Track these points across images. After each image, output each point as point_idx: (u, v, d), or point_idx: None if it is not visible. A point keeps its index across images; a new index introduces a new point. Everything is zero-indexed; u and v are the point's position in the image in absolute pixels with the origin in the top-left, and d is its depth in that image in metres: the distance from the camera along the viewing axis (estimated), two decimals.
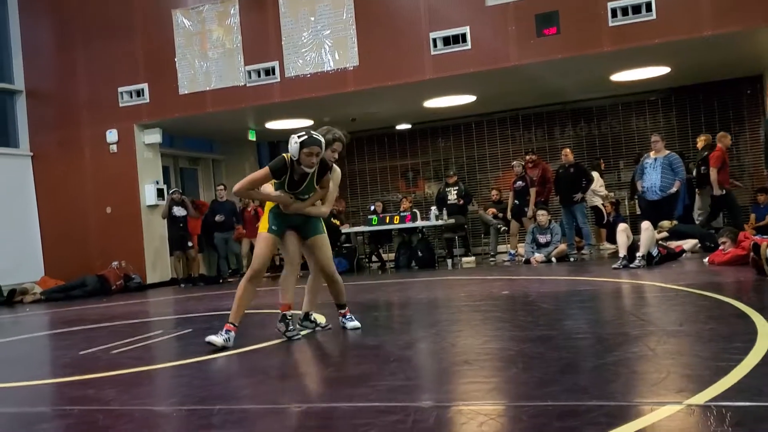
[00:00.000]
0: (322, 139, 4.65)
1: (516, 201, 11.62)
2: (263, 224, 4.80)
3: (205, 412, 3.00)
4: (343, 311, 5.12)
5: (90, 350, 5.05)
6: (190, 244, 12.14)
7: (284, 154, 4.66)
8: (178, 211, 11.91)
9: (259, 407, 3.01)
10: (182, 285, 11.89)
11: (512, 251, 11.51)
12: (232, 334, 4.59)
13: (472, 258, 12.17)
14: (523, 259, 10.67)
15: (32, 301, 10.98)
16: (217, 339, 4.52)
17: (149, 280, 12.04)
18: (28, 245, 12.37)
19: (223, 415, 2.93)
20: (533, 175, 11.59)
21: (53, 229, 12.60)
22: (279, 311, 4.84)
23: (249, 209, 12.75)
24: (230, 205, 12.42)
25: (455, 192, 12.21)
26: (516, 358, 3.64)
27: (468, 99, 12.47)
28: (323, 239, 4.96)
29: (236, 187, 4.71)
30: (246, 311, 4.75)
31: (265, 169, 4.65)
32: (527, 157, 11.96)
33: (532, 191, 11.38)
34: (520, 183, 11.59)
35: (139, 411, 3.10)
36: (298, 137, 4.54)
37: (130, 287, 11.51)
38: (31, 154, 12.71)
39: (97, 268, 11.71)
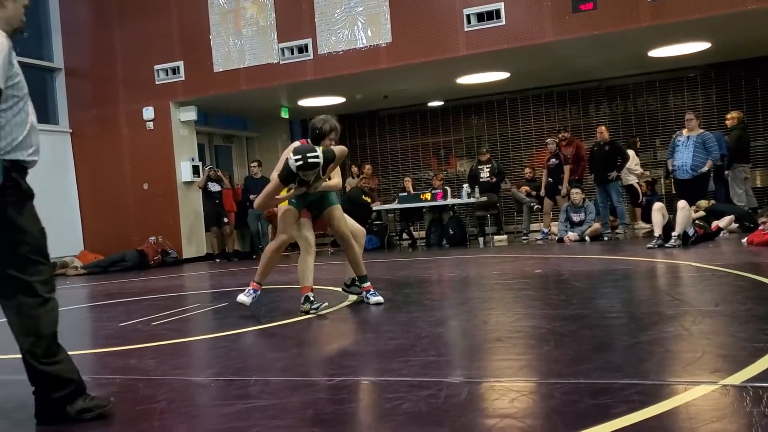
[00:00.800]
0: (320, 155, 4.76)
1: (550, 179, 11.53)
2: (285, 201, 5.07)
3: (242, 382, 3.08)
4: (366, 286, 5.23)
5: (130, 322, 5.19)
6: (225, 220, 12.32)
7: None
8: (213, 187, 12.09)
9: (293, 379, 3.07)
10: (217, 260, 12.09)
11: (545, 230, 11.45)
12: (258, 292, 5.18)
13: (504, 236, 12.14)
14: (556, 237, 10.60)
15: (73, 275, 11.27)
16: (245, 298, 5.09)
17: (185, 255, 12.26)
18: (68, 220, 12.65)
19: (259, 386, 3.00)
20: (567, 153, 11.47)
21: (92, 204, 12.86)
22: (301, 294, 4.92)
23: None
24: (264, 182, 12.52)
25: (488, 169, 12.14)
26: (548, 336, 3.65)
27: (501, 76, 12.33)
28: (337, 209, 5.24)
29: (256, 203, 5.22)
30: (281, 286, 4.86)
31: (275, 181, 4.93)
32: (561, 135, 11.83)
33: (566, 169, 11.26)
34: (553, 161, 11.49)
35: (178, 381, 3.19)
36: (295, 161, 4.70)
37: (167, 262, 11.73)
38: (70, 131, 12.96)
39: (134, 243, 11.95)
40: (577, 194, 10.46)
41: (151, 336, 4.60)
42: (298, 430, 2.38)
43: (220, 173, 12.43)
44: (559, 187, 11.29)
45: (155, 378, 3.30)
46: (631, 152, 11.63)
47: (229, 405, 2.74)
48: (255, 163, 12.78)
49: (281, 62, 11.33)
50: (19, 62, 2.90)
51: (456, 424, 2.31)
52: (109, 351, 4.25)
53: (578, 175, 11.40)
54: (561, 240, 10.35)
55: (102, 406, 2.70)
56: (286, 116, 14.13)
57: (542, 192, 11.76)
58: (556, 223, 11.00)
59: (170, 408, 2.80)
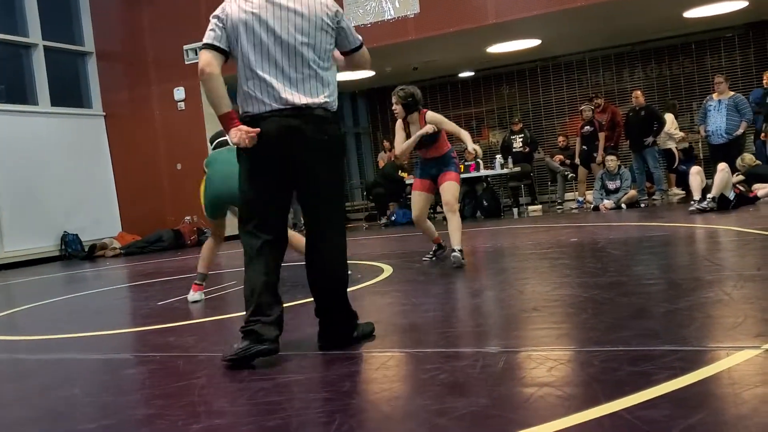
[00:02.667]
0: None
1: (584, 146, 11.33)
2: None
3: (281, 357, 3.10)
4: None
5: (168, 301, 5.28)
6: None
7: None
8: None
9: (329, 353, 3.09)
10: None
11: (580, 198, 11.30)
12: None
13: (539, 206, 12.02)
14: (592, 206, 10.46)
15: (112, 256, 11.49)
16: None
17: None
18: (106, 203, 12.88)
19: (297, 360, 3.03)
20: (602, 120, 11.26)
21: (128, 186, 13.06)
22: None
23: None
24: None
25: (521, 139, 12.00)
26: (585, 304, 3.61)
27: (533, 43, 12.12)
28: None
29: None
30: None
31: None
32: (595, 101, 11.60)
33: (601, 136, 11.06)
34: (588, 128, 11.27)
35: (217, 357, 3.23)
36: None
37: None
38: (104, 113, 13.13)
39: (170, 223, 12.12)
40: (612, 161, 10.29)
41: (189, 314, 4.67)
42: (336, 402, 2.39)
43: None
44: (594, 154, 11.10)
45: (194, 355, 3.36)
46: (670, 116, 11.36)
47: (267, 379, 2.77)
48: None
49: None
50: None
51: (493, 393, 2.30)
52: (148, 329, 4.33)
53: (614, 142, 11.21)
54: (596, 208, 10.21)
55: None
56: None
57: (576, 160, 11.57)
58: (591, 191, 10.84)
59: (210, 383, 2.84)
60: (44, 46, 12.08)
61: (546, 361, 2.61)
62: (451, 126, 5.70)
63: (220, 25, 2.94)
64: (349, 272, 3.25)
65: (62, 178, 11.95)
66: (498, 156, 11.76)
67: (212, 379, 2.90)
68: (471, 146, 5.63)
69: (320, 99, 2.98)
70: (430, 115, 5.64)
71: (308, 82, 2.97)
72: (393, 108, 5.69)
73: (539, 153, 12.84)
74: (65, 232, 11.93)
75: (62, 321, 5.25)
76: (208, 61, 2.91)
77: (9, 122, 11.47)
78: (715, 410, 1.98)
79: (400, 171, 12.23)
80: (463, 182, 12.08)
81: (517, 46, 12.21)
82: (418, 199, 5.81)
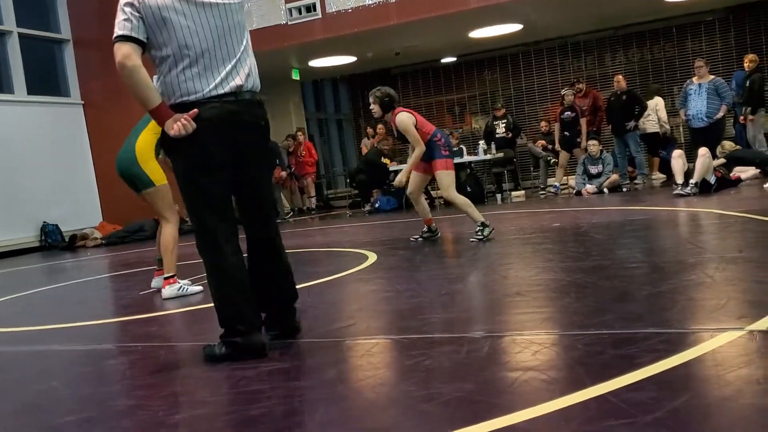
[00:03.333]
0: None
1: (565, 132, 11.29)
2: None
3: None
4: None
5: (150, 290, 5.22)
6: None
7: None
8: None
9: (313, 341, 3.06)
10: None
11: (557, 184, 11.26)
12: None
13: (522, 192, 12.04)
14: (574, 191, 10.49)
15: (93, 246, 11.37)
16: None
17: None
18: (86, 192, 12.72)
19: (280, 348, 3.00)
20: (583, 105, 11.26)
21: (108, 175, 12.81)
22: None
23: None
24: (271, 146, 12.49)
25: (503, 125, 11.99)
26: (569, 288, 3.61)
27: (514, 28, 12.10)
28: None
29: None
30: (299, 249, 4.82)
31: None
32: (577, 86, 11.60)
33: (583, 121, 11.06)
34: (569, 113, 11.25)
35: (199, 347, 3.19)
36: None
37: (183, 230, 11.74)
38: (82, 102, 12.93)
39: (152, 213, 11.98)
40: (594, 146, 10.31)
41: (170, 304, 4.62)
42: (320, 390, 2.37)
43: None
44: (578, 140, 11.09)
45: (176, 344, 3.32)
46: (660, 100, 11.37)
47: (250, 368, 2.74)
48: None
49: (289, 23, 11.18)
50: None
51: (479, 378, 2.29)
52: (129, 319, 4.28)
53: (596, 127, 11.22)
54: (579, 193, 10.24)
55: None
56: (297, 77, 14.01)
57: (557, 146, 11.55)
58: (573, 176, 10.87)
59: (192, 373, 2.81)
60: (19, 33, 11.85)
61: (530, 345, 2.60)
62: (411, 138, 5.91)
63: (137, 14, 2.78)
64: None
65: (41, 168, 11.78)
66: (481, 142, 11.73)
67: (194, 369, 2.87)
68: (401, 176, 6.20)
69: (251, 82, 2.93)
70: (399, 119, 5.92)
71: (243, 64, 2.91)
72: (371, 108, 6.06)
73: (522, 138, 12.85)
74: (45, 222, 11.77)
75: (42, 312, 5.19)
76: (127, 53, 2.75)
77: None
78: (699, 392, 1.98)
79: (383, 157, 12.18)
80: None
81: (500, 30, 12.18)
82: (413, 178, 6.21)
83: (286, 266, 3.11)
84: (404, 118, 5.91)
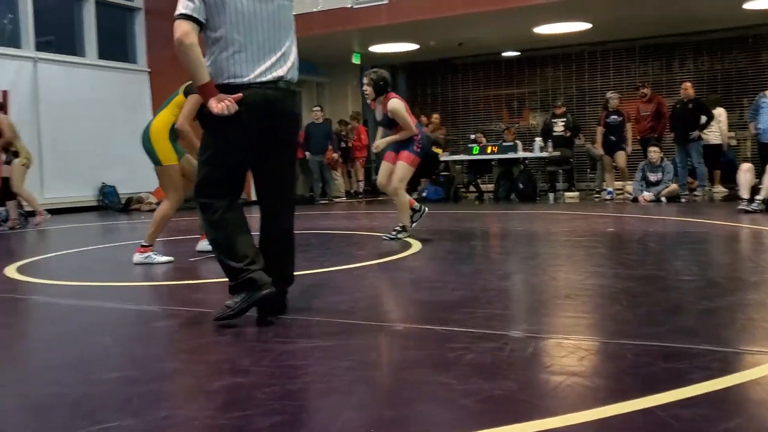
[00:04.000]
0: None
1: (611, 136, 10.95)
2: None
3: (304, 322, 3.10)
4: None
5: (199, 258, 5.31)
6: None
7: None
8: None
9: (354, 323, 3.06)
10: None
11: (611, 189, 10.99)
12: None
13: (576, 193, 11.83)
14: (631, 197, 10.26)
15: (147, 210, 11.63)
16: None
17: (253, 197, 12.44)
18: (144, 158, 12.94)
19: (321, 327, 3.01)
20: (646, 110, 10.97)
21: None
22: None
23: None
24: (325, 128, 12.54)
25: (562, 123, 11.77)
26: (619, 295, 3.53)
27: (582, 26, 11.84)
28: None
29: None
30: (344, 232, 4.85)
31: None
32: (641, 90, 11.28)
33: (629, 126, 10.77)
34: (615, 117, 10.91)
35: (244, 317, 3.23)
36: None
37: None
38: (149, 70, 13.19)
39: None
40: (655, 152, 10.05)
41: (218, 272, 4.67)
42: (358, 372, 2.37)
43: None
44: (623, 145, 10.79)
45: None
46: (722, 110, 11.01)
47: (291, 343, 2.76)
48: (317, 108, 12.76)
49: (355, 6, 11.16)
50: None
51: (521, 378, 2.25)
52: (178, 284, 4.36)
53: (658, 133, 10.92)
54: (635, 200, 10.01)
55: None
56: (358, 62, 14.00)
57: (599, 149, 11.22)
58: (631, 182, 10.63)
59: (235, 341, 2.84)
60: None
61: (576, 350, 2.55)
62: (403, 121, 5.89)
63: None
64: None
65: (104, 131, 12.08)
66: (537, 139, 11.56)
67: (237, 337, 2.90)
68: (379, 142, 6.14)
69: (291, 74, 3.13)
70: (393, 104, 5.88)
71: (287, 57, 3.12)
72: (364, 89, 6.07)
73: (580, 139, 12.60)
74: (103, 183, 12.10)
75: (95, 269, 5.33)
76: (186, 31, 2.93)
77: (57, 72, 11.60)
78: (753, 416, 1.90)
79: (435, 146, 12.11)
80: (500, 163, 11.97)
81: (567, 28, 11.94)
82: (383, 168, 6.18)
83: (288, 249, 3.26)
84: (397, 104, 5.92)
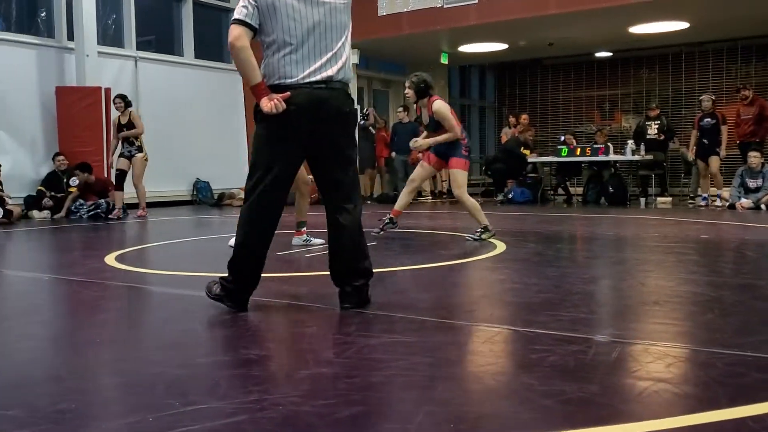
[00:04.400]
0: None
1: (704, 140, 10.46)
2: None
3: (387, 318, 3.14)
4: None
5: (285, 252, 5.47)
6: (374, 164, 12.61)
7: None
8: (371, 129, 12.37)
9: (436, 320, 3.09)
10: (368, 201, 12.47)
11: (706, 194, 10.52)
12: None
13: (669, 198, 11.42)
14: (728, 203, 9.81)
15: (238, 205, 12.02)
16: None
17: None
18: (236, 154, 13.42)
19: (403, 323, 3.05)
20: (748, 113, 10.45)
21: None
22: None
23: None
24: (412, 127, 12.58)
25: (656, 126, 11.39)
26: (712, 303, 3.40)
27: (680, 26, 11.41)
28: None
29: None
30: (427, 231, 4.87)
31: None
32: (742, 92, 10.76)
33: (724, 129, 10.26)
34: (708, 120, 10.41)
35: (328, 309, 3.31)
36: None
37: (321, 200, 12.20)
38: None
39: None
40: (755, 158, 9.57)
41: (304, 266, 4.82)
42: (440, 368, 2.39)
43: (376, 117, 12.65)
44: (717, 149, 10.30)
45: (306, 305, 3.46)
46: None
47: (373, 337, 2.81)
48: (401, 108, 12.83)
49: (445, 6, 11.17)
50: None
51: (605, 382, 2.21)
52: (266, 276, 4.49)
53: (759, 138, 10.40)
54: (732, 206, 9.57)
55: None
56: (446, 62, 14.00)
57: (691, 155, 10.74)
58: (726, 188, 10.16)
59: (319, 333, 2.92)
60: (194, 0, 12.68)
61: (664, 356, 2.48)
62: (447, 123, 5.93)
63: (253, 2, 3.11)
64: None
65: (199, 128, 12.58)
66: (630, 142, 11.22)
67: (321, 329, 2.98)
68: (423, 142, 6.12)
69: (342, 74, 3.22)
70: (437, 105, 5.95)
71: (339, 58, 3.21)
72: (405, 92, 6.19)
73: (674, 143, 12.15)
74: (197, 179, 12.61)
75: (189, 260, 5.58)
76: (238, 35, 3.09)
77: (156, 71, 12.17)
78: None
79: (523, 147, 11.96)
80: (590, 166, 11.69)
81: (663, 27, 11.53)
82: (421, 168, 6.32)
83: (355, 245, 3.31)
84: (442, 105, 5.96)
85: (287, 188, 3.31)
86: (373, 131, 12.51)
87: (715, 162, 10.31)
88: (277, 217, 3.29)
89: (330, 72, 3.17)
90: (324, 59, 3.16)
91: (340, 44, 3.22)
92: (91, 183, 9.95)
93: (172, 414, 1.95)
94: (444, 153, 6.07)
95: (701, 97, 10.82)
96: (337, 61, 3.20)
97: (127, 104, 9.59)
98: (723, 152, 10.26)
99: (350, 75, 3.30)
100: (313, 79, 3.14)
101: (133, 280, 4.45)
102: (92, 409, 2.11)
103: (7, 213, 8.80)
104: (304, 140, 3.19)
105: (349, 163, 3.34)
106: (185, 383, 2.27)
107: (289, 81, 3.13)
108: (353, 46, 12.49)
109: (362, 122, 12.47)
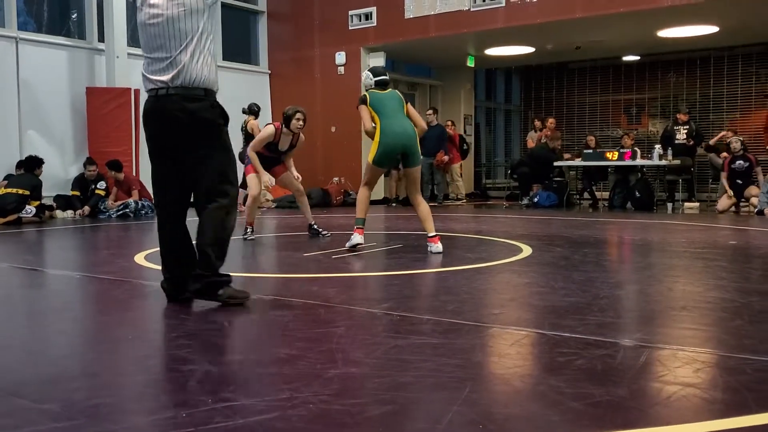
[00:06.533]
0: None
1: (738, 181, 10.29)
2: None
3: (415, 319, 3.17)
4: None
5: (313, 253, 5.51)
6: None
7: None
8: None
9: (463, 323, 3.10)
10: (393, 204, 12.48)
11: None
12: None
13: (696, 204, 11.29)
14: (756, 209, 9.69)
15: (265, 207, 12.12)
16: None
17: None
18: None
19: (431, 325, 3.07)
20: None
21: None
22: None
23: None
24: (438, 130, 12.57)
25: (684, 131, 11.28)
26: (741, 310, 3.37)
27: (710, 30, 11.28)
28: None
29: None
30: (452, 234, 4.88)
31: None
32: None
33: (759, 172, 10.14)
34: (741, 163, 10.29)
35: (356, 311, 3.35)
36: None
37: (347, 202, 12.26)
38: (269, 71, 13.75)
39: (320, 182, 12.57)
40: None
41: (331, 268, 4.86)
42: (467, 370, 2.41)
43: None
44: (756, 185, 10.17)
45: (334, 305, 3.49)
46: None
47: (402, 338, 2.84)
48: (430, 111, 12.84)
49: (472, 9, 11.17)
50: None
51: (633, 386, 2.22)
52: (293, 277, 4.55)
53: None
54: (761, 212, 9.44)
55: (246, 298, 3.48)
56: (472, 65, 13.99)
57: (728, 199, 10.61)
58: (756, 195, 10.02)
59: (348, 333, 2.95)
60: (222, 2, 12.82)
61: (692, 362, 2.48)
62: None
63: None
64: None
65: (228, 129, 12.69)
66: (657, 146, 11.12)
67: (350, 330, 3.01)
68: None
69: (180, 80, 3.31)
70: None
71: (176, 63, 3.32)
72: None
73: (702, 148, 12.02)
74: None
75: None
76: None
77: None
78: None
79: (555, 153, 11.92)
80: (616, 171, 11.60)
81: (692, 32, 11.41)
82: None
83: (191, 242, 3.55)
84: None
85: (172, 191, 3.47)
86: None
87: (754, 191, 10.15)
88: (176, 220, 3.50)
89: (164, 77, 3.28)
90: (163, 66, 3.29)
91: (179, 50, 3.30)
92: (121, 181, 10.11)
93: (205, 410, 1.99)
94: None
95: (730, 139, 10.66)
96: (175, 67, 3.28)
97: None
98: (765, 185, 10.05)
99: (195, 79, 3.33)
100: (153, 87, 3.31)
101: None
102: (126, 405, 2.16)
103: (41, 210, 8.98)
104: (160, 146, 3.39)
105: (203, 164, 3.38)
106: (216, 380, 2.32)
107: (145, 90, 3.38)
108: (379, 49, 12.48)
109: None
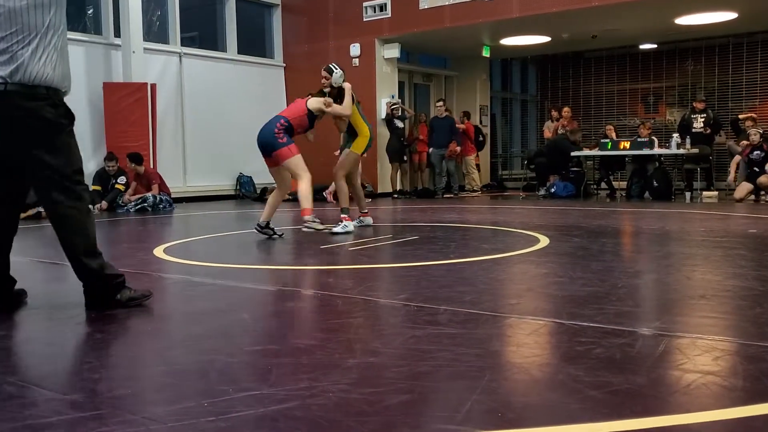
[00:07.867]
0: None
1: (756, 168, 10.17)
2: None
3: (431, 310, 3.17)
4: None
5: (329, 245, 5.53)
6: (405, 158, 12.60)
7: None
8: (398, 123, 12.36)
9: (480, 313, 3.11)
10: (395, 196, 12.47)
11: None
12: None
13: (715, 193, 11.19)
14: None
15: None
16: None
17: (379, 190, 12.72)
18: None
19: (447, 315, 3.08)
20: None
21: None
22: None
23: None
24: (449, 122, 12.54)
25: (702, 119, 11.17)
26: (761, 298, 3.35)
27: (728, 16, 11.14)
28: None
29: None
30: (468, 226, 4.87)
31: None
32: None
33: None
34: (758, 153, 10.15)
35: (373, 302, 3.36)
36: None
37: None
38: (284, 65, 13.78)
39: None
40: None
41: (348, 259, 4.88)
42: (485, 359, 2.41)
43: (404, 109, 12.65)
44: None
45: (352, 297, 3.51)
46: None
47: (419, 329, 2.85)
48: (440, 103, 12.80)
49: None
50: None
51: (652, 374, 2.21)
52: (311, 269, 4.57)
53: None
54: None
55: (146, 297, 3.34)
56: (487, 55, 13.92)
57: (732, 182, 10.48)
58: None
59: (365, 324, 2.97)
60: None
61: (711, 350, 2.47)
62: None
63: None
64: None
65: (242, 123, 12.73)
66: (675, 135, 11.02)
67: (367, 320, 3.03)
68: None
69: (19, 76, 3.08)
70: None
71: (7, 54, 3.08)
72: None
73: (720, 136, 11.89)
74: (241, 173, 12.79)
75: (234, 252, 5.68)
76: None
77: (199, 67, 12.39)
78: None
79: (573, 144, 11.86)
80: (634, 160, 11.51)
81: (710, 18, 11.28)
82: None
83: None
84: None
85: (8, 202, 3.29)
86: (401, 125, 12.49)
87: (766, 179, 10.04)
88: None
89: (3, 72, 3.06)
90: (1, 60, 3.06)
91: (21, 46, 3.08)
92: (141, 174, 10.19)
93: (226, 399, 2.01)
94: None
95: (749, 131, 10.54)
96: (15, 62, 3.06)
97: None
98: None
99: (41, 76, 3.13)
100: None
101: (181, 272, 4.57)
102: (148, 395, 2.19)
103: None
104: None
105: (47, 168, 3.15)
106: (237, 371, 2.34)
107: None
108: (394, 40, 12.47)
109: (399, 114, 12.47)
